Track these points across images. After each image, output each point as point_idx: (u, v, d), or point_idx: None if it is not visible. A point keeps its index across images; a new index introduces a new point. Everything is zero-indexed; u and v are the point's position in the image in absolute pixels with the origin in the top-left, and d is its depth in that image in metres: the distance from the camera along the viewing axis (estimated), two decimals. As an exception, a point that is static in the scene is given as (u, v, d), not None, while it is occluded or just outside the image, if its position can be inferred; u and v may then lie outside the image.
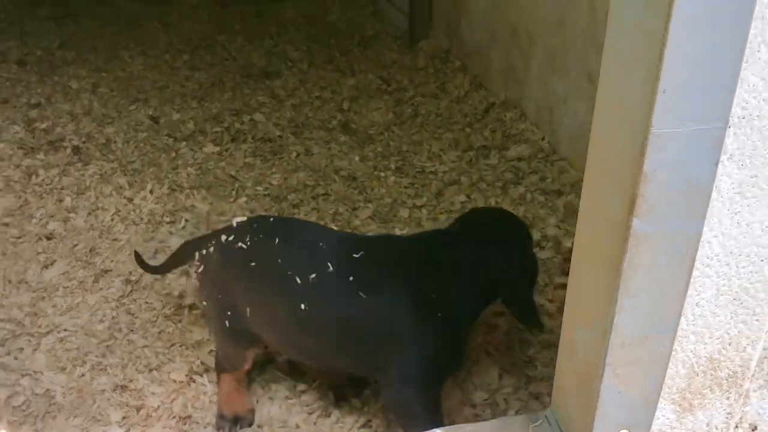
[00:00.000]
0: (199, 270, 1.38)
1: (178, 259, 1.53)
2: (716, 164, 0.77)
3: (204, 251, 1.37)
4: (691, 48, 0.68)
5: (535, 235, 1.89)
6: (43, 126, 2.58)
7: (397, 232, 1.97)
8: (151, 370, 1.57)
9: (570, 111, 2.07)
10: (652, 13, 0.69)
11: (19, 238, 1.98)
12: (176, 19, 3.70)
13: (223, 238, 1.34)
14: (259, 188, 2.20)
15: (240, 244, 1.30)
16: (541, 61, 2.20)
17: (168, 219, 2.03)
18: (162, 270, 1.61)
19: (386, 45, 3.35)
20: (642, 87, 0.72)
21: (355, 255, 1.25)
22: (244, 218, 1.42)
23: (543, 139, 2.28)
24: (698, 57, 0.69)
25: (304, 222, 1.65)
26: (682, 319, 0.87)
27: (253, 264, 1.29)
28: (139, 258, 1.62)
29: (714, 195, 0.79)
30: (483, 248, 1.27)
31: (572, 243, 1.82)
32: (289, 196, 2.14)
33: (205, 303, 1.42)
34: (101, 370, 1.57)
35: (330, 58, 3.19)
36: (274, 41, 3.46)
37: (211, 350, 1.57)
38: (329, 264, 1.24)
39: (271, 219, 1.48)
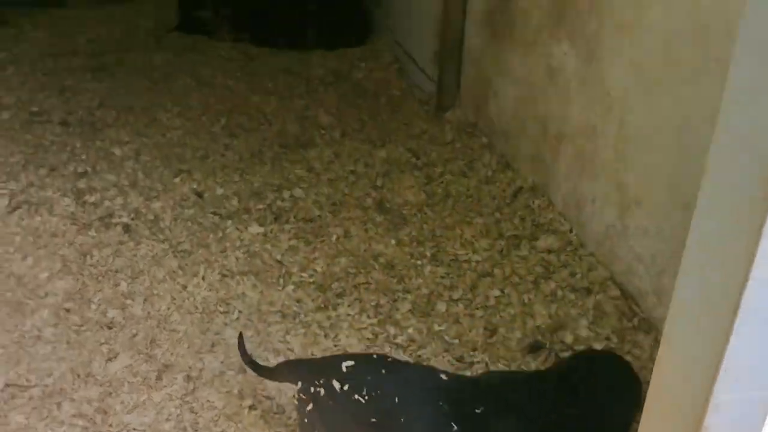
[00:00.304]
0: (308, 408, 1.47)
1: (273, 376, 1.64)
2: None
3: (313, 389, 1.45)
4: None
5: (568, 337, 2.03)
6: (92, 199, 2.71)
7: (436, 327, 2.11)
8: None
9: (597, 212, 2.21)
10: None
11: (81, 326, 2.12)
12: (209, 73, 3.84)
13: (337, 385, 1.43)
14: (304, 275, 2.33)
15: (357, 396, 1.39)
16: (570, 159, 2.34)
17: (221, 309, 2.17)
18: (257, 371, 1.71)
19: (413, 110, 3.49)
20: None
21: (477, 411, 1.33)
22: (352, 362, 1.48)
23: (571, 231, 2.41)
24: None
25: (414, 367, 1.70)
26: None
27: (374, 420, 1.39)
28: (245, 355, 1.70)
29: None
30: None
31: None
32: (332, 285, 2.27)
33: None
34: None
35: (361, 125, 3.33)
36: (305, 101, 3.60)
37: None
38: (453, 425, 1.32)
39: (383, 368, 1.51)
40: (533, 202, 2.61)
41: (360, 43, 4.44)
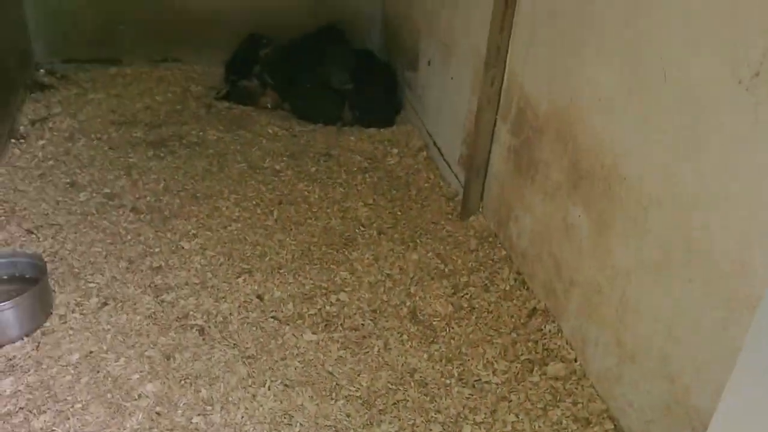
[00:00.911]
0: None
1: None
2: None
3: None
4: None
5: (569, 468, 2.51)
6: (169, 298, 3.17)
7: (464, 451, 2.59)
8: None
9: (599, 354, 2.69)
10: None
11: (172, 430, 2.59)
12: (258, 156, 4.33)
13: None
14: (351, 388, 2.81)
15: None
16: (579, 301, 2.81)
17: (286, 420, 2.65)
18: None
19: (440, 207, 3.96)
20: None
21: None
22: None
23: (576, 360, 2.89)
24: None
25: None
26: None
27: None
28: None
29: None
30: None
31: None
32: (376, 401, 2.75)
33: None
34: None
35: (394, 220, 3.79)
36: (344, 190, 4.06)
37: None
38: None
39: None
40: (545, 326, 3.08)
41: (391, 124, 4.89)
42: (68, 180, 3.94)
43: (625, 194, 2.44)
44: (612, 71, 2.48)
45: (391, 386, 2.81)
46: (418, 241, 3.65)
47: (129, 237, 3.52)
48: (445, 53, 4.17)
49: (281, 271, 3.37)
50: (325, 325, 3.09)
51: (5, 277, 3.14)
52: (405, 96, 5.13)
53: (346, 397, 2.74)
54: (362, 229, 3.71)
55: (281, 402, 2.70)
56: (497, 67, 3.33)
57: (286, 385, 2.77)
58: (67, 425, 2.52)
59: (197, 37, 5.42)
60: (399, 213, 3.90)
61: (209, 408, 2.66)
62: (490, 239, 3.63)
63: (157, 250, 3.45)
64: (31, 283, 3.03)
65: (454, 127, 4.05)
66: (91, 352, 2.83)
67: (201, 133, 4.54)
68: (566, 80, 2.79)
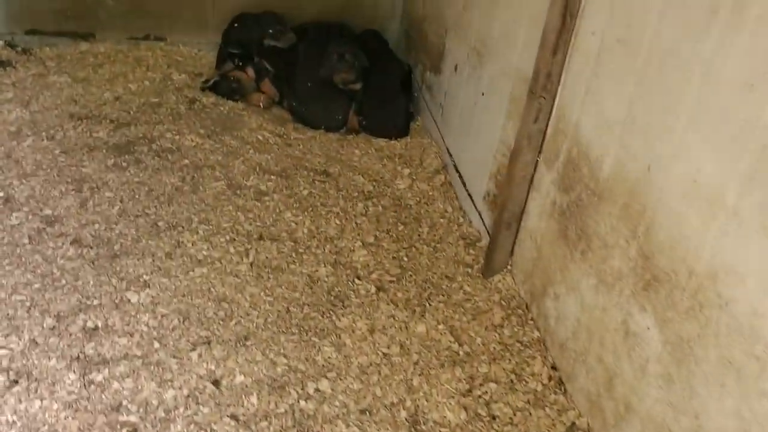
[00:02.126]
0: None
1: None
2: None
3: None
4: None
5: None
6: (99, 378, 2.46)
7: None
8: None
9: None
10: None
11: None
12: (242, 171, 3.67)
13: None
14: None
15: None
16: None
17: None
18: None
19: (458, 255, 3.22)
20: None
21: None
22: None
23: None
24: None
25: None
26: None
27: None
28: None
29: None
30: None
31: None
32: None
33: None
34: None
35: (400, 270, 3.07)
36: (341, 223, 3.33)
37: None
38: None
39: None
40: (587, 456, 2.32)
41: (404, 134, 4.09)
42: (1, 194, 3.17)
43: (727, 328, 1.66)
44: (721, 149, 1.69)
45: None
46: (426, 304, 2.88)
47: (64, 281, 2.78)
48: (477, 62, 3.36)
49: (248, 343, 2.62)
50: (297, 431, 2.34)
51: None
52: (423, 100, 4.31)
53: None
54: (357, 282, 2.95)
55: None
56: (545, 98, 2.52)
57: None
58: None
59: (188, 12, 4.61)
60: (405, 259, 3.13)
61: None
62: (520, 312, 2.86)
63: (95, 302, 2.71)
64: None
65: (482, 154, 3.26)
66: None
67: (177, 137, 3.76)
68: (645, 141, 2.01)
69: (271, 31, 4.20)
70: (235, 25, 4.42)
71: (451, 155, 3.78)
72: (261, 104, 4.23)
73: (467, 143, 3.52)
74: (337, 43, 4.29)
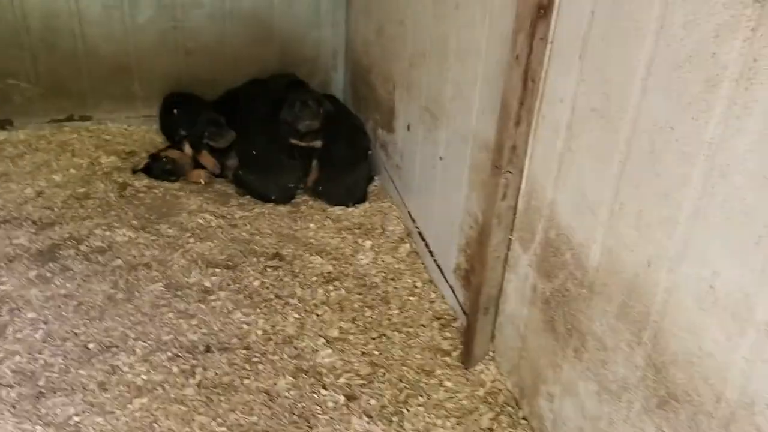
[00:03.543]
0: None
1: None
2: None
3: None
4: None
5: None
6: None
7: None
8: None
9: None
10: None
11: None
12: (183, 266, 3.27)
13: None
14: None
15: None
16: None
17: None
18: None
19: (434, 341, 2.88)
20: None
21: None
22: None
23: None
24: None
25: None
26: None
27: None
28: None
29: None
30: None
31: None
32: None
33: None
34: None
35: (370, 368, 2.73)
36: (300, 319, 2.96)
37: None
38: None
39: None
40: None
41: (362, 199, 3.73)
42: None
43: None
44: (743, 252, 1.38)
45: None
46: (404, 410, 2.53)
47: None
48: (431, 123, 3.03)
49: None
50: None
51: None
52: (378, 158, 3.98)
53: None
54: (323, 393, 2.58)
55: None
56: (511, 172, 2.19)
57: None
58: None
59: (112, 87, 4.23)
60: (376, 353, 2.77)
61: None
62: (509, 410, 2.52)
63: None
64: None
65: (447, 224, 2.96)
66: None
67: (107, 233, 3.36)
68: (639, 231, 1.69)
69: (206, 133, 3.84)
70: (174, 111, 4.04)
71: (414, 220, 3.44)
72: (202, 181, 3.83)
73: (430, 210, 3.18)
74: (298, 91, 3.95)
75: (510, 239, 2.41)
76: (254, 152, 3.80)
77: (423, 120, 3.18)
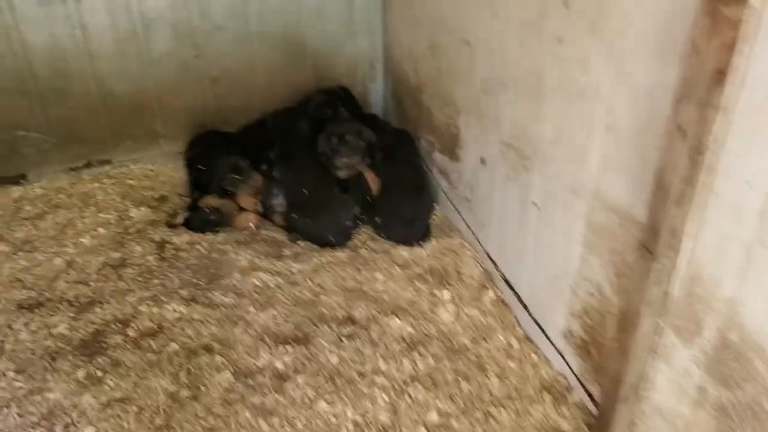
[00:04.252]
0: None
1: None
2: None
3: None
4: None
5: None
6: None
7: None
8: None
9: None
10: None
11: None
12: (247, 347, 2.89)
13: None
14: None
15: None
16: None
17: None
18: None
19: (549, 418, 2.52)
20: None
21: None
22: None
23: None
24: None
25: None
26: None
27: None
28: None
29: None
30: None
31: None
32: None
33: None
34: None
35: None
36: (390, 403, 2.58)
37: None
38: None
39: None
40: None
41: (427, 235, 3.35)
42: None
43: None
44: None
45: None
46: None
47: None
48: (518, 163, 2.65)
49: None
50: None
51: None
52: (437, 184, 3.57)
53: None
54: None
55: None
56: (669, 257, 1.79)
57: None
58: None
59: (131, 127, 3.80)
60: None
61: None
62: None
63: None
64: None
65: (549, 279, 2.62)
66: None
67: (155, 309, 2.97)
68: None
69: (226, 180, 3.42)
70: (199, 167, 3.62)
71: (495, 264, 3.04)
72: (252, 225, 3.44)
73: (520, 258, 2.80)
74: (335, 121, 3.53)
75: (662, 327, 2.02)
76: (305, 190, 3.37)
77: (505, 157, 2.76)
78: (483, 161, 3.00)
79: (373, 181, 3.47)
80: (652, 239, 1.88)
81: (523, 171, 2.66)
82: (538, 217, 2.61)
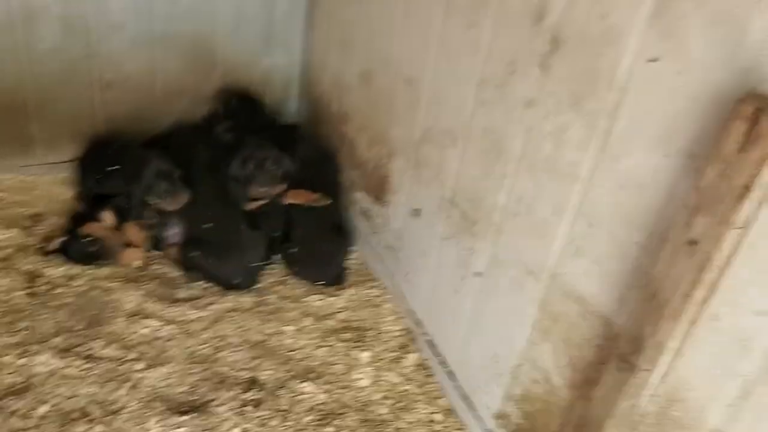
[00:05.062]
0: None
1: None
2: None
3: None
4: None
5: None
6: None
7: None
8: None
9: None
10: None
11: None
12: (134, 415, 2.41)
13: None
14: None
15: None
16: None
17: None
18: None
19: None
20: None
21: None
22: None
23: None
24: None
25: None
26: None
27: None
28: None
29: None
30: None
31: None
32: None
33: None
34: None
35: None
36: None
37: None
38: None
39: None
40: None
41: (341, 280, 3.05)
42: None
43: None
44: None
45: None
46: None
47: None
48: (462, 226, 2.40)
49: None
50: None
51: None
52: (354, 222, 3.26)
53: None
54: None
55: None
56: (649, 370, 1.60)
57: None
58: None
59: (3, 129, 3.22)
60: None
61: None
62: None
63: None
64: None
65: (487, 359, 2.37)
66: None
67: (23, 361, 2.51)
68: None
69: (155, 191, 2.95)
70: (114, 167, 3.09)
71: (420, 323, 2.77)
72: (137, 263, 2.98)
73: (453, 324, 2.56)
74: (250, 143, 3.12)
75: (621, 436, 1.81)
76: (208, 225, 2.96)
77: (447, 214, 2.50)
78: (417, 213, 2.71)
79: (301, 196, 3.10)
80: (630, 349, 1.66)
81: (466, 235, 2.39)
82: (481, 287, 2.36)
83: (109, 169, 3.05)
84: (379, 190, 3.02)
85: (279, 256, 3.15)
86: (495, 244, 2.26)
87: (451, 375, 2.62)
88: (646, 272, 1.64)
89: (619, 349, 1.71)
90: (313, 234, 3.10)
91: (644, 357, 1.65)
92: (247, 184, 3.08)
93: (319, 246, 3.10)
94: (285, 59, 3.70)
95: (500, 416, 2.36)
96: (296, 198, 3.12)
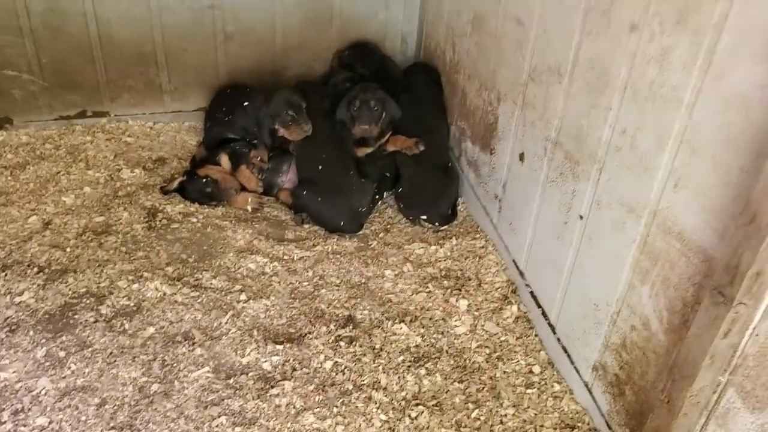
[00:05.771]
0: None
1: None
2: None
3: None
4: None
5: None
6: None
7: None
8: None
9: None
10: None
11: None
12: (235, 342, 2.54)
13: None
14: None
15: None
16: None
17: None
18: None
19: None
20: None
21: None
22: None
23: None
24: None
25: None
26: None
27: None
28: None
29: None
30: None
31: None
32: None
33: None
34: None
35: None
36: (389, 424, 2.21)
37: None
38: None
39: None
40: None
41: (451, 219, 2.99)
42: None
43: None
44: None
45: None
46: None
47: None
48: (565, 166, 2.28)
49: None
50: None
51: None
52: (464, 176, 3.21)
53: None
54: None
55: None
56: (746, 304, 1.43)
57: None
58: None
59: (133, 77, 3.43)
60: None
61: None
62: None
63: None
64: None
65: (585, 303, 2.28)
66: None
67: (135, 286, 2.64)
68: None
69: (281, 118, 3.04)
70: (245, 103, 3.23)
71: (522, 275, 2.68)
72: (249, 208, 3.07)
73: (555, 273, 2.44)
74: (362, 84, 3.15)
75: (720, 381, 1.65)
76: (320, 167, 3.01)
77: (551, 157, 2.38)
78: (522, 158, 2.62)
79: (399, 141, 3.12)
80: (726, 280, 1.51)
81: (570, 176, 2.28)
82: (583, 231, 2.24)
83: (243, 104, 3.17)
84: (486, 138, 2.95)
85: (390, 194, 3.17)
86: (597, 184, 2.14)
87: (551, 326, 2.52)
88: (747, 198, 1.49)
89: (714, 281, 1.57)
90: (420, 173, 3.10)
91: (738, 288, 1.50)
92: (352, 125, 3.11)
93: (427, 184, 3.09)
94: (402, 12, 3.68)
95: (597, 367, 2.24)
96: (395, 144, 3.13)
